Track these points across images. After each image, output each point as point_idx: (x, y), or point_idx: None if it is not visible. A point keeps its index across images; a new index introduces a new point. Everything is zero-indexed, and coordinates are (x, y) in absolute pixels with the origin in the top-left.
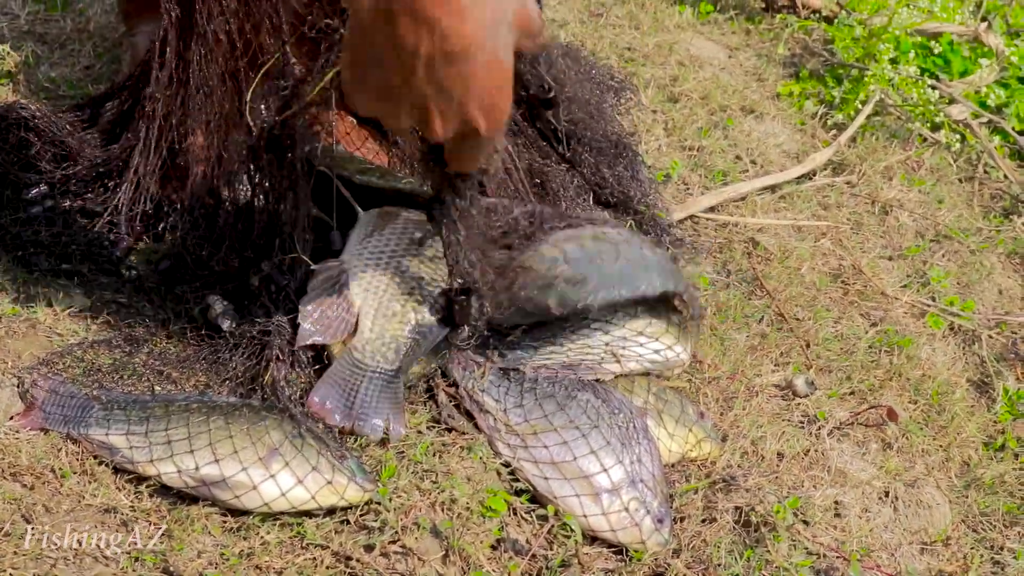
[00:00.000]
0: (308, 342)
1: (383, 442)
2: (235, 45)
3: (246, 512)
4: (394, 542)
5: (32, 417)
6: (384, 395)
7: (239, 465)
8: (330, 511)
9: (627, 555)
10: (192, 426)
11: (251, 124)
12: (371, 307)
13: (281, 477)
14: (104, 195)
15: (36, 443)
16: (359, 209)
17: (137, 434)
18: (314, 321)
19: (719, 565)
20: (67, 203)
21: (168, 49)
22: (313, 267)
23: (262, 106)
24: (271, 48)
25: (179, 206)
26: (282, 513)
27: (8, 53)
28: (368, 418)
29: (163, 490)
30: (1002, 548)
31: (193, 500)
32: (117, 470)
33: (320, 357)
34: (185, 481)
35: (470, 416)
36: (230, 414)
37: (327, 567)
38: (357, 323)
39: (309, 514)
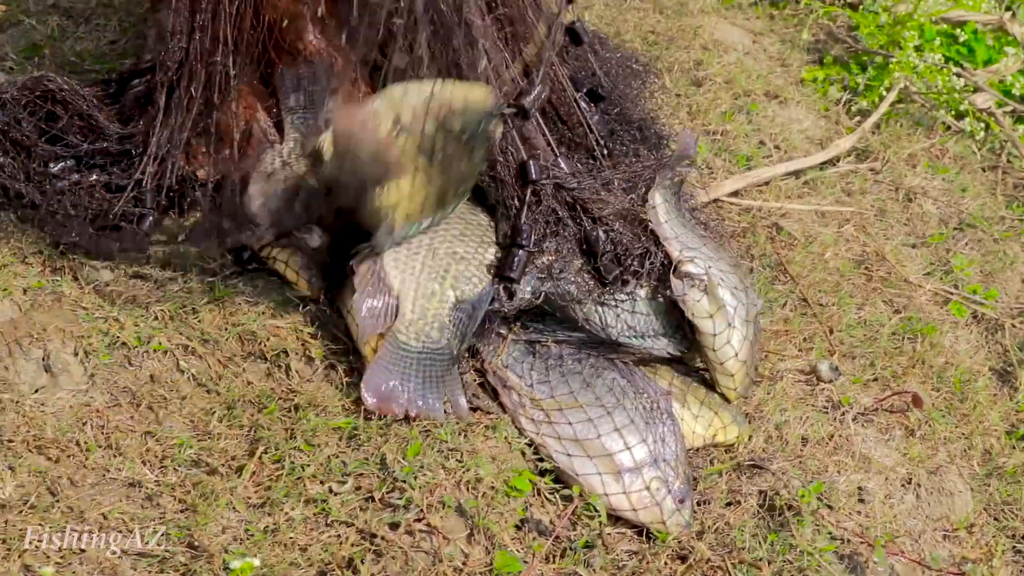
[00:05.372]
0: (372, 333)
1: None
2: (258, 20)
3: None
4: (419, 520)
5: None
6: (438, 374)
7: None
8: (356, 488)
9: (651, 537)
10: None
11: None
12: (410, 288)
13: None
14: (130, 169)
15: (61, 416)
16: None
17: None
18: (369, 314)
19: (743, 548)
20: (93, 177)
21: (188, 23)
22: (351, 262)
23: (289, 79)
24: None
25: (205, 182)
26: None
27: (34, 27)
28: (427, 400)
29: (188, 464)
30: (1023, 537)
31: (218, 475)
32: (142, 444)
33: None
34: None
35: (495, 394)
36: None
37: (352, 544)
38: (398, 306)
39: (333, 491)
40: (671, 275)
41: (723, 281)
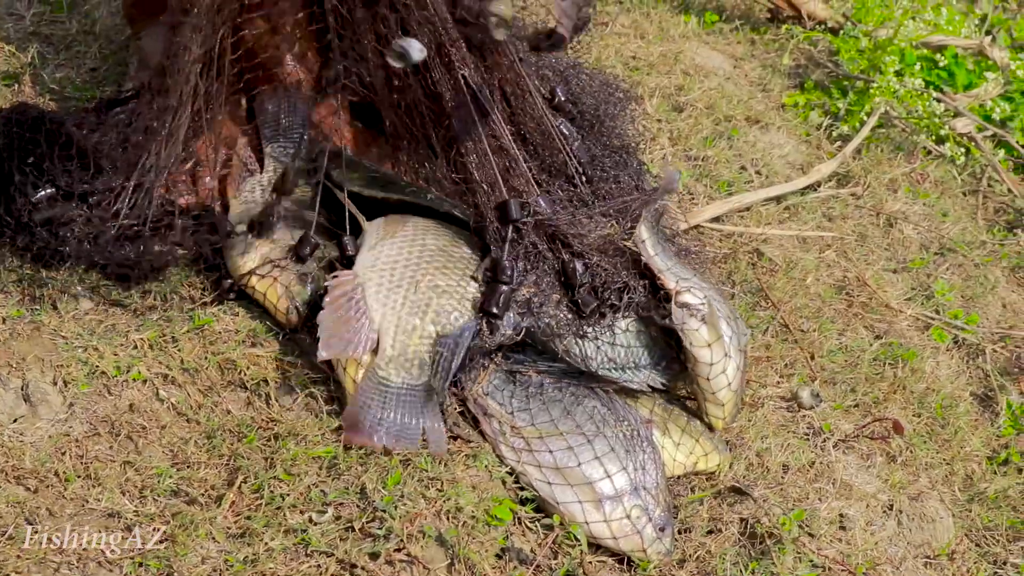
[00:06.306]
0: (328, 356)
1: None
2: (240, 51)
3: None
4: (399, 550)
5: None
6: (417, 409)
7: None
8: (336, 517)
9: (632, 566)
10: None
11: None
12: (391, 323)
13: None
14: (111, 199)
15: (40, 446)
16: (363, 221)
17: None
18: (333, 334)
19: None
20: (73, 205)
21: (176, 56)
22: (327, 281)
23: (268, 108)
24: (275, 53)
25: (185, 210)
26: None
27: (14, 54)
28: (405, 434)
29: (168, 494)
30: (1005, 563)
31: (197, 505)
32: (121, 474)
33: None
34: None
35: (475, 422)
36: None
37: (332, 574)
38: (378, 340)
39: (313, 521)
40: (672, 304)
41: (718, 311)
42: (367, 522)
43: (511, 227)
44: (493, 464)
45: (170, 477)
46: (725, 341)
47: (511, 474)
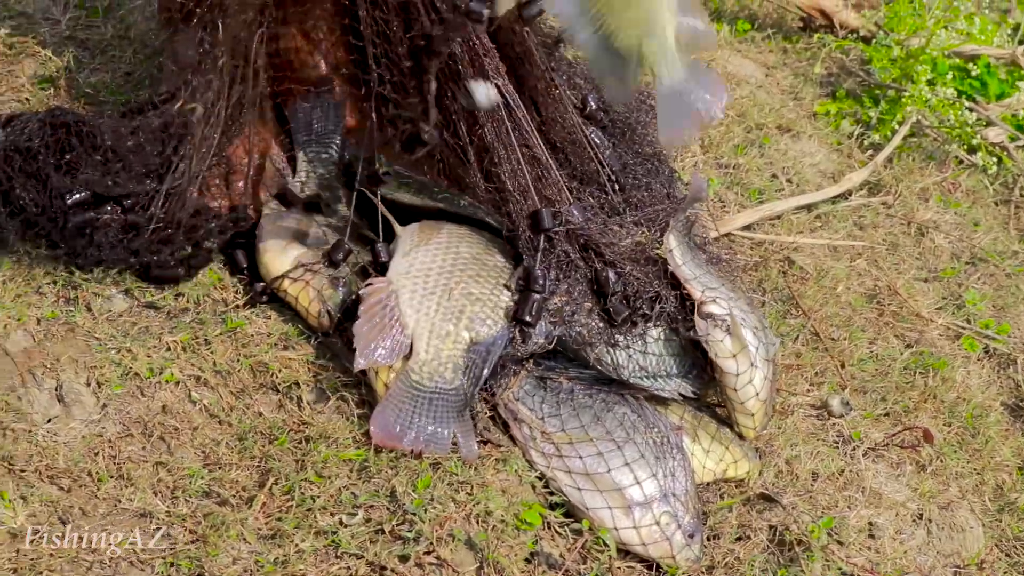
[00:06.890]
0: (365, 365)
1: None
2: (273, 56)
3: None
4: (429, 553)
5: None
6: (448, 414)
7: None
8: (366, 520)
9: (661, 572)
10: None
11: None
12: (424, 329)
13: None
14: (146, 202)
15: (73, 446)
16: (397, 226)
17: None
18: (369, 343)
19: None
20: (108, 209)
21: (212, 61)
22: (361, 288)
23: (301, 113)
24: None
25: (219, 214)
26: None
27: (49, 58)
28: (435, 440)
29: (199, 495)
30: None
31: (229, 506)
32: (154, 475)
33: None
34: None
35: (505, 427)
36: None
37: None
38: (412, 345)
39: (343, 523)
40: (695, 315)
41: (744, 321)
42: (397, 525)
43: (543, 236)
44: (523, 469)
45: (202, 478)
46: (751, 351)
47: (541, 479)
